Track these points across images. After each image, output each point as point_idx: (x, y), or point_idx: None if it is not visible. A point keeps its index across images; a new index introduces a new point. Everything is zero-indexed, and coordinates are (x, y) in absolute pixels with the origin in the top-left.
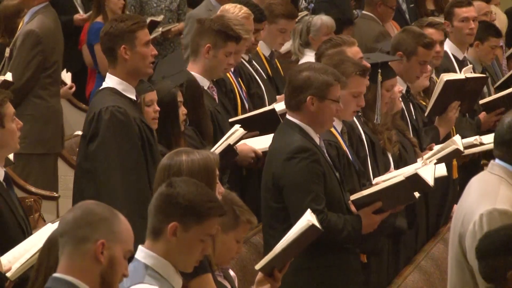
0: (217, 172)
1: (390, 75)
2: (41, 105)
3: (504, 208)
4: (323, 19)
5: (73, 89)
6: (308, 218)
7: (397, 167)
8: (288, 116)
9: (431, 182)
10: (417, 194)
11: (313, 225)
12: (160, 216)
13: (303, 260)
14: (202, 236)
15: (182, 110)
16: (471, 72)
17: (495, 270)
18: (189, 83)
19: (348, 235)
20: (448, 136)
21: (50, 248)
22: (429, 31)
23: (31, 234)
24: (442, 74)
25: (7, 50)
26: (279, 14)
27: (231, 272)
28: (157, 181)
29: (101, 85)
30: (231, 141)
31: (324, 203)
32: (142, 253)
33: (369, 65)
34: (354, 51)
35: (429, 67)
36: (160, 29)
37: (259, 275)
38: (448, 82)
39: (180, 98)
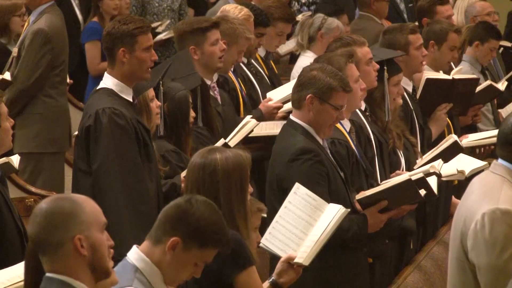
0: (249, 172)
1: (396, 70)
2: (50, 104)
3: (507, 208)
4: (338, 23)
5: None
6: (338, 207)
7: None
8: (291, 116)
9: (435, 190)
10: (422, 192)
11: (346, 211)
12: (167, 226)
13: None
14: (198, 261)
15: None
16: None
17: None
18: (201, 85)
19: (354, 235)
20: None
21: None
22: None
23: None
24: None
25: (15, 49)
26: (277, 17)
27: None
28: (190, 180)
29: (93, 84)
30: (244, 132)
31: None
32: (135, 255)
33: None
34: (364, 51)
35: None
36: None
37: (282, 265)
38: (429, 80)
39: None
